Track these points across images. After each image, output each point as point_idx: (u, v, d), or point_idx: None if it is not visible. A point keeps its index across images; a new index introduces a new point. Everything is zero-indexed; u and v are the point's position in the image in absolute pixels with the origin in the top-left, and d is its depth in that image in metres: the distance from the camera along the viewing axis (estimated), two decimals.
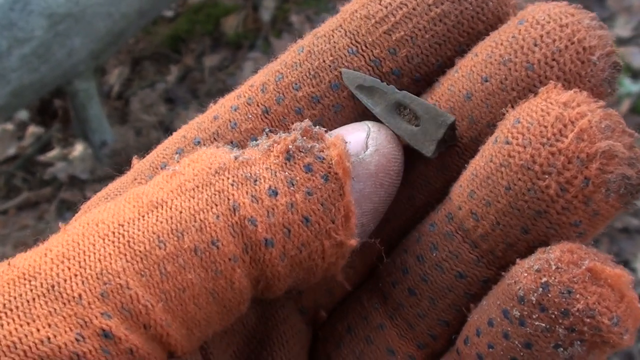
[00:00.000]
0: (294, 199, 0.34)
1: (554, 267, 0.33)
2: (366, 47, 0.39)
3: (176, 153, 0.41)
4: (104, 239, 0.33)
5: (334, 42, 0.40)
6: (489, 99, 0.37)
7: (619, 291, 0.33)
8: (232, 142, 0.40)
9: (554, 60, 0.36)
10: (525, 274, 0.34)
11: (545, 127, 0.34)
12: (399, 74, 0.39)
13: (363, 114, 0.40)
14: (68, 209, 2.18)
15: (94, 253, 0.33)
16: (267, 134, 0.37)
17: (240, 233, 0.34)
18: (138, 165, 0.42)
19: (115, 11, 2.09)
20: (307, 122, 0.36)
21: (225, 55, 2.58)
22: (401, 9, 0.39)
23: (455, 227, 0.38)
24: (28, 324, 0.31)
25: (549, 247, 0.34)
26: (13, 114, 2.37)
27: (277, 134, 0.37)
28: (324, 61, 0.40)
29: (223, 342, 0.41)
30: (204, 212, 0.34)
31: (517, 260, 0.35)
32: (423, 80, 0.40)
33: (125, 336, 0.32)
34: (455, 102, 0.38)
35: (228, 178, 0.35)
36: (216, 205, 0.34)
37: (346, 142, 0.36)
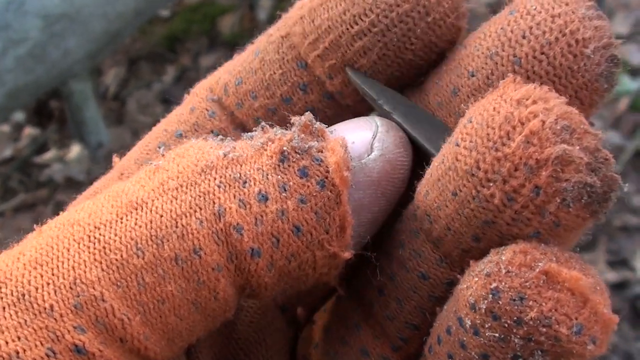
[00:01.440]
0: (286, 206, 0.32)
1: (504, 271, 0.30)
2: (309, 65, 0.37)
3: (158, 147, 0.39)
4: (79, 243, 0.31)
5: (283, 52, 0.38)
6: (475, 94, 0.35)
7: (581, 295, 0.30)
8: (212, 131, 0.38)
9: (542, 54, 0.33)
10: (476, 279, 0.31)
11: (493, 128, 0.31)
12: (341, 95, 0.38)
13: None
14: (64, 211, 2.16)
15: (68, 259, 0.30)
16: (262, 127, 0.34)
17: (225, 241, 0.31)
18: (121, 162, 0.39)
19: (110, 11, 2.08)
20: (307, 117, 0.33)
21: (222, 55, 2.57)
22: (329, 34, 0.37)
23: (418, 225, 0.35)
24: None
25: (503, 247, 0.31)
26: (9, 116, 2.35)
27: (273, 127, 0.34)
28: (274, 72, 0.38)
29: (207, 343, 0.39)
30: (186, 217, 0.31)
31: (471, 262, 0.32)
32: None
33: (100, 351, 0.30)
34: (442, 97, 0.36)
35: (215, 178, 0.32)
36: (200, 209, 0.31)
37: (347, 146, 0.33)
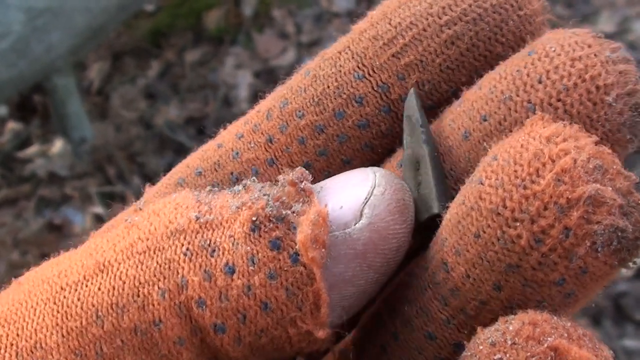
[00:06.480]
0: (252, 281, 0.30)
1: (509, 342, 0.28)
2: (373, 71, 0.36)
3: (178, 183, 0.38)
4: (45, 304, 0.31)
5: (340, 65, 0.36)
6: (486, 140, 0.33)
7: None
8: (231, 174, 0.37)
9: (559, 100, 0.31)
10: (481, 347, 0.28)
11: (522, 165, 0.29)
12: None
13: (370, 145, 0.37)
14: (47, 206, 2.15)
15: (33, 320, 0.31)
16: (244, 186, 0.32)
17: (188, 315, 0.30)
18: (146, 193, 0.39)
19: (94, 5, 2.06)
20: (297, 173, 0.32)
21: (207, 50, 2.56)
22: (411, 29, 0.35)
23: (428, 279, 0.33)
24: None
25: (512, 316, 0.29)
26: None
27: (263, 182, 0.33)
28: (328, 87, 0.36)
29: None
30: (149, 285, 0.30)
31: (478, 329, 0.30)
32: (437, 107, 0.36)
33: None
34: (453, 140, 0.34)
35: (182, 245, 0.31)
36: (164, 278, 0.30)
37: (326, 216, 0.31)
